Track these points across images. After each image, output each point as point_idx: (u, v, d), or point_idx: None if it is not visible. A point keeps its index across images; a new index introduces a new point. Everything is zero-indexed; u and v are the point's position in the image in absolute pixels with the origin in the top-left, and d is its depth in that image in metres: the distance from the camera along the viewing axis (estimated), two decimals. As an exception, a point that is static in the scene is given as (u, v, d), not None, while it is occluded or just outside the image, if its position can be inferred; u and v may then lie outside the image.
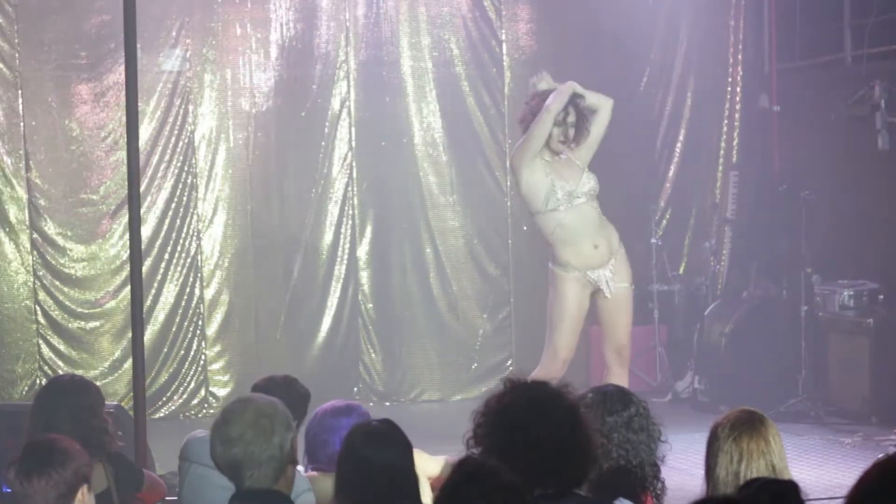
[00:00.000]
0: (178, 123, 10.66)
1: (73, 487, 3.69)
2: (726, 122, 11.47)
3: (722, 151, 11.49)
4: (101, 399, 5.15)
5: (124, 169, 8.62)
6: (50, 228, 10.44)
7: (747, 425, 3.74)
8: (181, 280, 10.67)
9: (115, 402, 8.36)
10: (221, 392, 10.65)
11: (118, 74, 9.94)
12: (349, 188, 11.00)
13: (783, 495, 2.90)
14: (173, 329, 10.63)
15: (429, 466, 4.94)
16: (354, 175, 11.00)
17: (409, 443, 3.85)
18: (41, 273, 10.41)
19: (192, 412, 10.60)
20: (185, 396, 10.65)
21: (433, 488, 4.68)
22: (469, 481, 3.02)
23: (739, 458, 3.68)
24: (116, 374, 10.42)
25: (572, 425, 3.35)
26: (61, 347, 10.42)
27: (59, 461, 3.68)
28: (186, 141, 10.68)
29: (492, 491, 2.99)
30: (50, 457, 3.69)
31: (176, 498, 5.99)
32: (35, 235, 10.40)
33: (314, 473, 4.74)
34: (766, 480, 3.23)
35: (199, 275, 10.70)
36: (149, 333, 10.20)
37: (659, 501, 3.89)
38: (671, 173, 11.63)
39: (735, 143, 11.43)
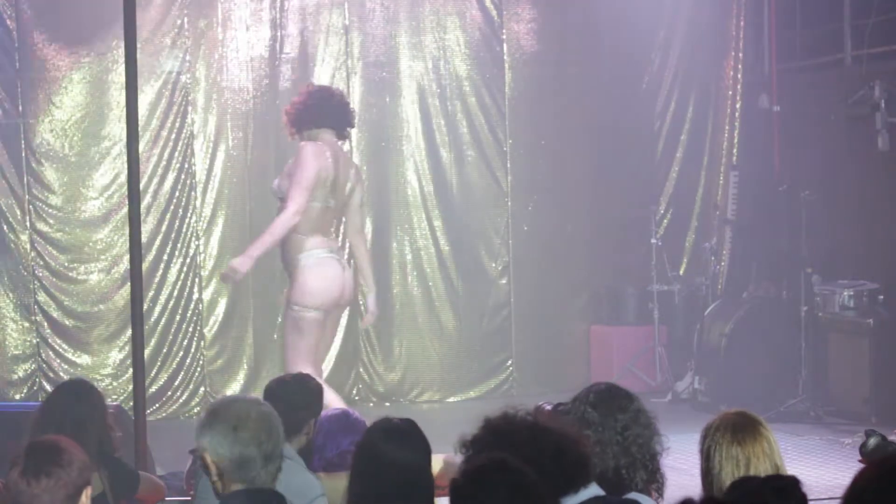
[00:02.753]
0: (178, 123, 10.65)
1: (80, 488, 3.67)
2: (726, 122, 11.48)
3: (722, 151, 11.49)
4: (105, 403, 5.17)
5: (124, 169, 8.61)
6: (50, 228, 10.43)
7: (748, 428, 3.73)
8: (180, 280, 10.67)
9: (115, 403, 8.36)
10: (221, 392, 10.63)
11: (118, 74, 9.93)
12: (349, 188, 10.99)
13: (786, 490, 2.89)
14: (173, 329, 10.62)
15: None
16: (354, 175, 10.99)
17: (429, 445, 3.87)
18: (41, 273, 10.41)
19: (192, 412, 10.59)
20: (184, 396, 10.64)
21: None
22: (497, 470, 3.02)
23: (747, 463, 3.66)
24: (116, 375, 10.41)
25: (534, 436, 3.40)
26: (61, 348, 10.41)
27: (65, 461, 3.66)
28: (186, 141, 10.67)
29: (517, 487, 3.00)
30: (57, 457, 3.66)
31: (180, 499, 6.00)
32: (35, 235, 10.39)
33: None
34: (767, 477, 3.23)
35: (198, 275, 10.70)
36: (148, 334, 10.18)
37: (660, 493, 3.90)
38: (672, 173, 11.64)
39: (735, 143, 11.44)
